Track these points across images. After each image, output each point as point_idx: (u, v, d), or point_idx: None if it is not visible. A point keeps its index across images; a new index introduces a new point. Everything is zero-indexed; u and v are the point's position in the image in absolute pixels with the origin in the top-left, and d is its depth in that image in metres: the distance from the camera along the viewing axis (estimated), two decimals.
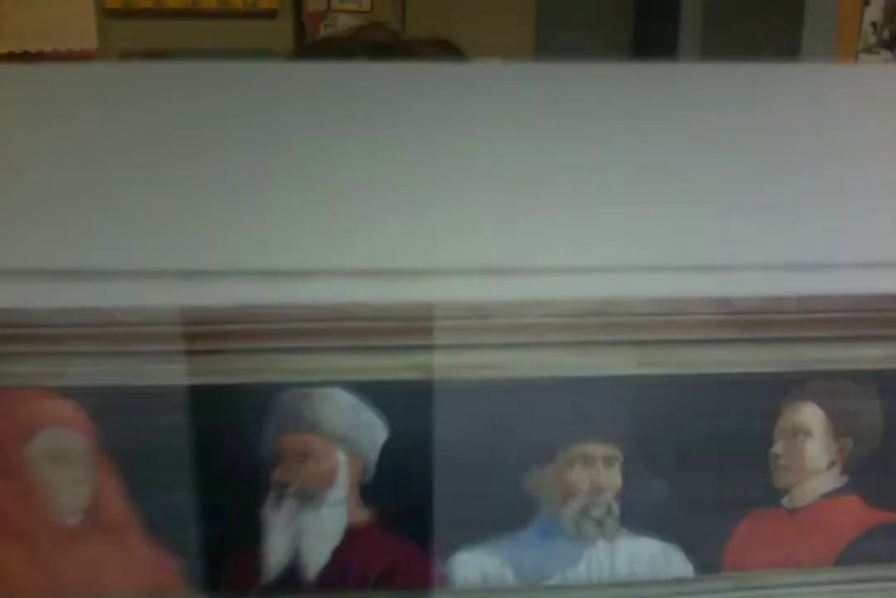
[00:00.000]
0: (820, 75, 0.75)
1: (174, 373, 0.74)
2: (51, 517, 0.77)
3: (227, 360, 0.74)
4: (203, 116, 0.71)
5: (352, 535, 0.80)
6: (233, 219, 0.72)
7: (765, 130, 0.75)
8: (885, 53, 3.13)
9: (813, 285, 0.76)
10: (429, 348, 0.74)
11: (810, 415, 0.83)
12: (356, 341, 0.74)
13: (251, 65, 0.71)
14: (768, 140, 0.75)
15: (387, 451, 0.78)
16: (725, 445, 0.80)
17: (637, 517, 0.82)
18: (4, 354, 0.74)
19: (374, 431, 0.78)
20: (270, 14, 4.54)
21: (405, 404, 0.77)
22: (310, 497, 0.79)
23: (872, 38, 3.16)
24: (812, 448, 0.83)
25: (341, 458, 0.79)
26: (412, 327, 0.73)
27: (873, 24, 3.16)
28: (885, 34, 3.13)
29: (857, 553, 0.84)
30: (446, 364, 0.75)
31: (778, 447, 0.82)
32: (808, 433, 0.83)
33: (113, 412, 0.75)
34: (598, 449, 0.80)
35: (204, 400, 0.75)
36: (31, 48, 4.35)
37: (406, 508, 0.79)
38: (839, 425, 0.83)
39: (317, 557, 0.80)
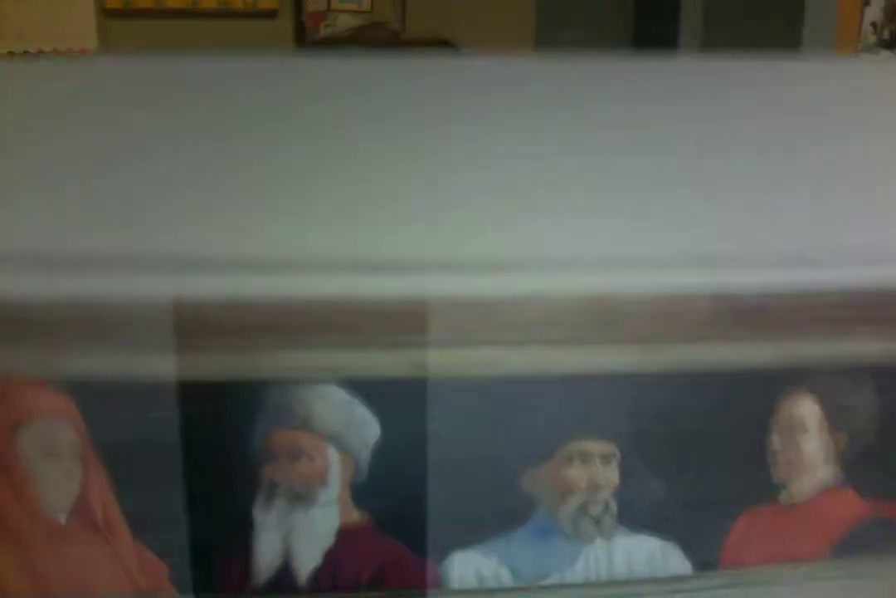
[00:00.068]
0: (817, 70, 0.75)
1: (165, 367, 0.73)
2: (38, 513, 0.77)
3: (219, 355, 0.73)
4: (198, 107, 0.71)
5: (344, 536, 0.79)
6: (228, 211, 0.71)
7: (765, 127, 0.74)
8: (885, 53, 3.12)
9: (809, 280, 0.76)
10: (423, 344, 0.73)
11: (807, 410, 0.82)
12: (350, 337, 0.73)
13: (252, 58, 0.71)
14: (768, 137, 0.74)
15: (379, 450, 0.78)
16: (723, 441, 0.80)
17: (635, 514, 0.81)
18: None
19: (366, 429, 0.77)
20: (270, 14, 4.53)
21: (398, 401, 0.76)
22: (301, 497, 0.78)
23: (872, 38, 3.16)
24: (809, 443, 0.83)
25: (333, 456, 0.78)
26: (407, 322, 0.73)
27: (873, 24, 3.15)
28: (885, 34, 3.13)
29: (852, 547, 0.83)
30: (441, 361, 0.74)
31: (776, 443, 0.82)
32: (804, 428, 0.83)
33: (102, 406, 0.74)
34: (595, 446, 0.80)
35: (195, 395, 0.74)
36: (31, 48, 4.35)
37: (399, 508, 0.78)
38: (835, 421, 0.83)
39: (308, 558, 0.79)
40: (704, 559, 0.82)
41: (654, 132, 0.72)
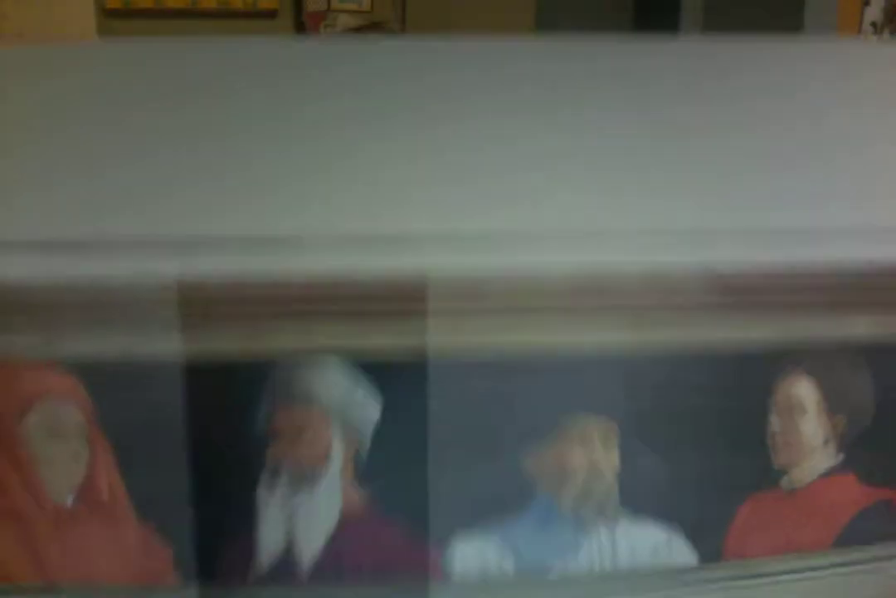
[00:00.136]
0: (811, 50, 0.76)
1: (169, 347, 0.73)
2: (44, 495, 0.77)
3: (222, 331, 0.73)
4: (198, 91, 0.71)
5: (346, 520, 0.79)
6: (230, 192, 0.72)
7: (756, 107, 0.75)
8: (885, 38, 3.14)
9: (800, 254, 0.76)
10: (423, 318, 0.73)
11: (804, 389, 0.83)
12: (352, 314, 0.73)
13: (253, 41, 0.71)
14: (762, 112, 0.75)
15: (381, 429, 0.78)
16: (723, 423, 0.80)
17: (637, 500, 0.81)
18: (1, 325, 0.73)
19: (368, 406, 0.77)
20: (270, 14, 4.52)
21: (400, 378, 0.76)
22: (304, 477, 0.78)
23: (872, 38, 3.16)
24: (808, 425, 0.83)
25: (336, 433, 0.78)
26: (408, 298, 0.73)
27: (873, 24, 3.16)
28: (885, 34, 3.13)
29: (854, 534, 0.83)
30: (441, 334, 0.74)
31: (775, 424, 0.82)
32: (803, 410, 0.83)
33: (108, 385, 0.75)
34: (594, 426, 0.80)
35: (199, 373, 0.74)
36: None
37: (401, 490, 0.79)
38: (833, 401, 0.83)
39: (311, 541, 0.79)
40: (709, 549, 0.82)
41: (651, 112, 0.73)
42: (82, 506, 0.78)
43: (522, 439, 0.79)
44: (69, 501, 0.78)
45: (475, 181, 0.72)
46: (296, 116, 0.71)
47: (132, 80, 0.71)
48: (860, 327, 0.78)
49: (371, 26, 3.43)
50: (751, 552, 0.83)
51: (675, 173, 0.73)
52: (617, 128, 0.73)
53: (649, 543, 0.81)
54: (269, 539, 0.78)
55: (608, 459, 0.80)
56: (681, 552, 0.82)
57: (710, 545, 0.82)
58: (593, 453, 0.79)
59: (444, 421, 0.76)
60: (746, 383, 0.80)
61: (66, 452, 0.77)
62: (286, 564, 0.79)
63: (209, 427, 0.76)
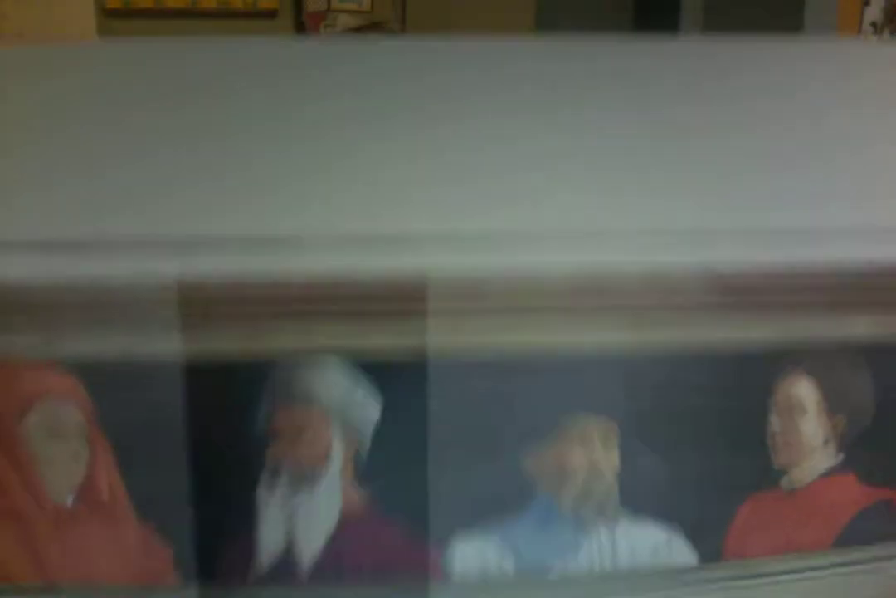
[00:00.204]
0: (811, 50, 0.76)
1: (169, 346, 0.73)
2: (44, 495, 0.77)
3: (222, 330, 0.73)
4: (199, 91, 0.71)
5: (346, 518, 0.79)
6: (230, 192, 0.72)
7: (755, 107, 0.75)
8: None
9: (800, 254, 0.76)
10: (423, 318, 0.74)
11: (803, 389, 0.83)
12: (351, 314, 0.73)
13: (253, 41, 0.71)
14: (762, 112, 0.75)
15: (380, 429, 0.78)
16: (724, 423, 0.80)
17: (637, 500, 0.81)
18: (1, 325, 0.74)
19: (368, 405, 0.77)
20: (270, 14, 4.52)
21: (399, 378, 0.76)
22: (304, 476, 0.78)
23: (872, 38, 3.16)
24: (808, 425, 0.83)
25: (336, 433, 0.78)
26: (407, 297, 0.73)
27: (873, 24, 3.16)
28: (885, 34, 3.13)
29: (854, 534, 0.83)
30: (441, 333, 0.74)
31: (775, 424, 0.82)
32: (802, 409, 0.83)
33: (108, 385, 0.75)
34: (594, 426, 0.80)
35: (199, 372, 0.74)
36: None
37: (400, 490, 0.79)
38: (832, 402, 0.83)
39: (311, 541, 0.79)
40: (709, 549, 0.82)
41: (651, 112, 0.73)
42: (82, 506, 0.78)
43: (522, 439, 0.79)
44: (69, 501, 0.78)
45: (475, 181, 0.72)
46: (296, 116, 0.71)
47: (133, 81, 0.71)
48: (860, 326, 0.78)
49: (371, 26, 3.43)
50: (751, 552, 0.83)
51: (675, 173, 0.74)
52: (617, 128, 0.73)
53: (649, 543, 0.81)
54: (269, 539, 0.78)
55: (608, 459, 0.80)
56: (681, 552, 0.82)
57: (710, 545, 0.82)
58: (593, 453, 0.80)
59: (444, 421, 0.76)
60: (746, 383, 0.80)
61: (65, 452, 0.77)
62: (286, 564, 0.79)
63: (209, 427, 0.76)
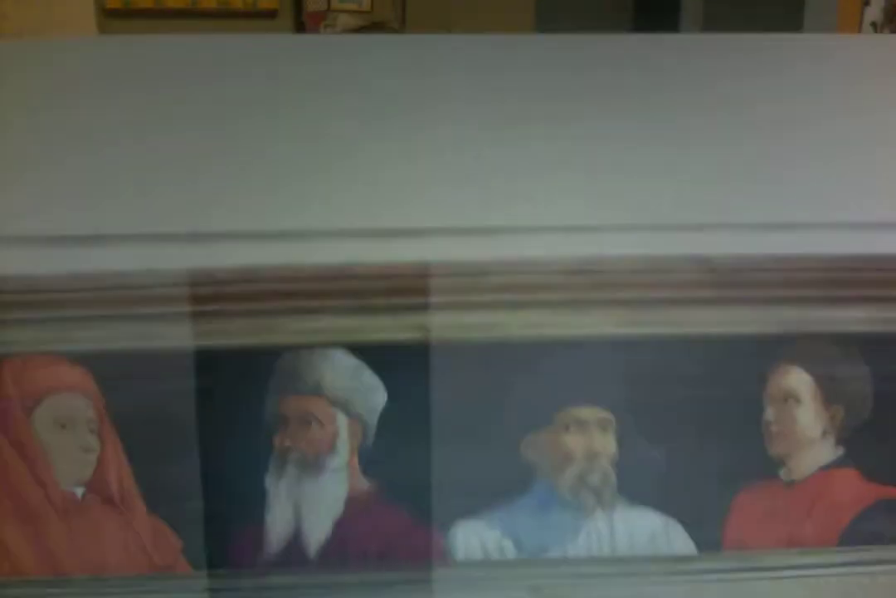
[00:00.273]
0: (811, 45, 0.76)
1: (179, 335, 0.74)
2: (56, 489, 0.78)
3: (230, 322, 0.74)
4: (208, 86, 0.72)
5: (352, 505, 0.81)
6: (237, 184, 0.73)
7: (749, 96, 0.75)
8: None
9: (792, 245, 0.77)
10: (425, 306, 0.75)
11: (798, 379, 0.83)
12: (356, 302, 0.74)
13: (259, 37, 0.72)
14: (752, 105, 0.75)
15: (385, 416, 0.79)
16: (718, 411, 0.81)
17: (634, 485, 0.82)
18: (11, 320, 0.75)
19: (373, 394, 0.78)
20: (270, 14, 4.52)
21: (403, 365, 0.77)
22: (311, 464, 0.79)
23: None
24: (803, 415, 0.83)
25: (342, 421, 0.79)
26: (410, 286, 0.74)
27: (873, 24, 3.15)
28: (886, 34, 3.13)
29: (860, 533, 0.84)
30: (443, 323, 0.75)
31: (769, 414, 0.83)
32: (797, 399, 0.83)
33: (118, 377, 0.76)
34: (591, 413, 0.81)
35: (208, 362, 0.75)
36: None
37: (404, 475, 0.80)
38: (828, 392, 0.83)
39: (319, 527, 0.81)
40: (707, 538, 0.83)
41: (650, 108, 0.74)
42: (93, 497, 0.78)
43: (521, 427, 0.80)
44: (80, 493, 0.78)
45: (476, 179, 0.73)
46: (297, 113, 0.72)
47: (136, 76, 0.72)
48: (855, 317, 0.79)
49: (371, 27, 3.43)
50: (751, 544, 0.83)
51: (672, 169, 0.74)
52: (615, 124, 0.73)
53: (647, 530, 0.82)
54: (277, 526, 0.80)
55: (605, 445, 0.81)
56: (679, 541, 0.82)
57: (709, 534, 0.83)
58: (591, 440, 0.80)
59: (445, 408, 0.77)
60: (742, 372, 0.81)
61: (76, 444, 0.78)
62: (294, 549, 0.80)
63: (218, 415, 0.76)
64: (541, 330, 0.77)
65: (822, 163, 0.75)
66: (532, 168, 0.73)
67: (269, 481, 0.79)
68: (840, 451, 0.85)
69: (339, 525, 0.80)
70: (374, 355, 0.76)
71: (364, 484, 0.80)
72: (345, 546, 0.80)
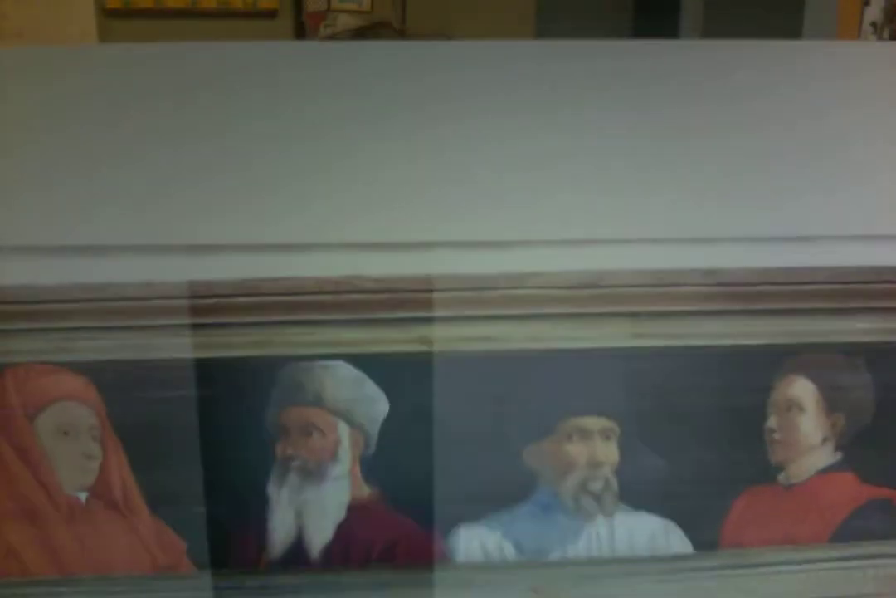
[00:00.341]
0: (814, 55, 0.76)
1: (180, 347, 0.75)
2: (60, 494, 0.79)
3: (232, 333, 0.75)
4: (206, 96, 0.72)
5: (355, 510, 0.81)
6: (237, 194, 0.73)
7: (756, 111, 0.76)
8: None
9: (799, 258, 0.78)
10: (429, 319, 0.75)
11: (802, 389, 0.83)
12: (358, 314, 0.75)
13: (257, 45, 0.72)
14: (758, 119, 0.76)
15: (387, 425, 0.80)
16: (721, 419, 0.81)
17: (635, 492, 0.83)
18: (13, 330, 0.75)
19: (375, 404, 0.79)
20: (270, 14, 4.53)
21: (406, 377, 0.78)
22: (313, 472, 0.80)
23: (872, 39, 3.15)
24: (805, 423, 0.84)
25: (343, 431, 0.80)
26: (412, 299, 0.75)
27: (873, 24, 3.15)
28: (885, 34, 3.13)
29: (852, 530, 0.85)
30: (446, 336, 0.76)
31: (772, 422, 0.83)
32: (800, 408, 0.84)
33: (120, 387, 0.77)
34: (594, 423, 0.81)
35: (209, 374, 0.76)
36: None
37: (407, 483, 0.80)
38: (831, 401, 0.84)
39: (321, 533, 0.81)
40: (705, 539, 0.83)
41: (651, 114, 0.74)
42: (96, 503, 0.79)
43: (524, 436, 0.81)
44: (83, 498, 0.79)
45: (481, 193, 0.74)
46: (297, 120, 0.72)
47: (134, 88, 0.72)
48: (860, 328, 0.80)
49: (371, 26, 3.43)
50: (747, 543, 0.84)
51: (678, 182, 0.75)
52: (618, 132, 0.74)
53: (646, 533, 0.83)
54: (279, 532, 0.80)
55: (608, 455, 0.81)
56: (677, 543, 0.83)
57: (707, 537, 0.84)
58: (594, 448, 0.81)
59: (448, 418, 0.78)
60: (745, 381, 0.81)
61: (78, 451, 0.79)
62: (296, 553, 0.81)
63: (220, 426, 0.77)
64: (545, 343, 0.77)
65: (829, 175, 0.76)
66: (537, 182, 0.74)
67: (272, 488, 0.79)
68: (838, 456, 0.85)
69: (341, 530, 0.81)
70: (377, 367, 0.77)
71: (366, 491, 0.81)
72: (347, 549, 0.81)
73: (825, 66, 0.75)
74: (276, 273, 0.74)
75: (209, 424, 0.77)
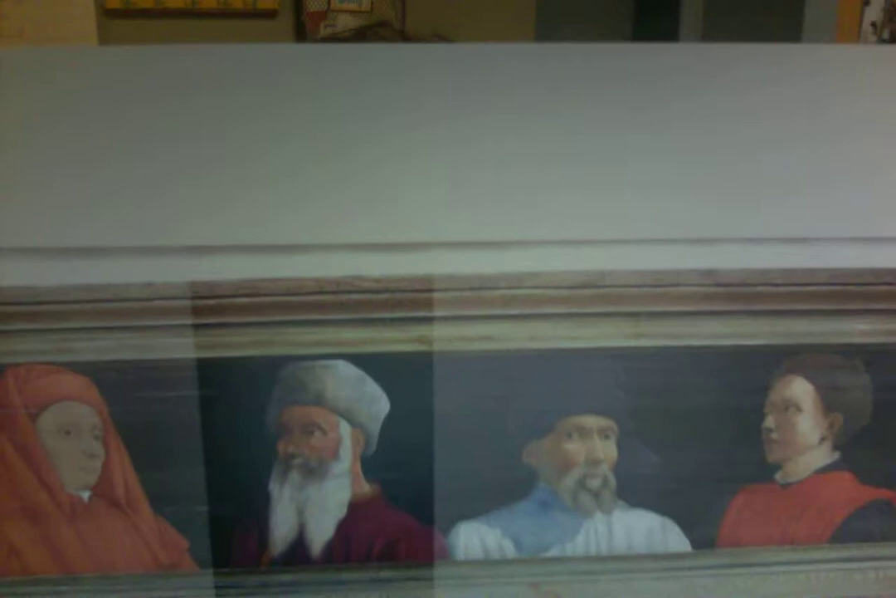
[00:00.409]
0: (814, 55, 0.77)
1: (182, 347, 0.75)
2: (62, 493, 0.79)
3: (233, 333, 0.76)
4: (206, 95, 0.73)
5: (356, 508, 0.82)
6: (237, 195, 0.74)
7: (753, 109, 0.76)
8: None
9: (798, 259, 0.78)
10: (429, 319, 0.76)
11: (800, 389, 0.84)
12: (358, 314, 0.76)
13: (255, 45, 0.72)
14: (757, 118, 0.76)
15: (388, 423, 0.80)
16: (719, 418, 0.82)
17: (634, 489, 0.83)
18: (14, 331, 0.76)
19: (376, 403, 0.79)
20: (270, 14, 4.53)
21: (406, 376, 0.78)
22: (314, 470, 0.81)
23: (872, 38, 3.16)
24: (803, 423, 0.84)
25: (345, 430, 0.80)
26: (412, 299, 0.75)
27: (873, 24, 3.15)
28: (885, 34, 3.13)
29: (851, 532, 0.85)
30: (446, 336, 0.77)
31: (769, 422, 0.84)
32: (798, 408, 0.84)
33: (122, 386, 0.77)
34: (593, 421, 0.82)
35: (210, 374, 0.76)
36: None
37: (408, 480, 0.81)
38: (829, 401, 0.84)
39: (322, 530, 0.82)
40: (702, 537, 0.84)
41: (649, 113, 0.74)
42: (99, 502, 0.80)
43: (523, 435, 0.81)
44: (86, 498, 0.80)
45: (480, 193, 0.74)
46: (301, 126, 0.73)
47: (134, 89, 0.72)
48: (859, 329, 0.80)
49: (372, 27, 3.42)
50: (744, 542, 0.85)
51: (678, 183, 0.75)
52: (617, 132, 0.74)
53: (644, 530, 0.84)
54: (280, 531, 0.81)
55: (607, 453, 0.82)
56: (674, 540, 0.84)
57: (705, 534, 0.84)
58: (593, 447, 0.82)
59: (448, 417, 0.79)
60: (743, 380, 0.82)
61: (80, 451, 0.79)
62: (297, 550, 0.81)
63: (221, 424, 0.78)
64: (545, 342, 0.78)
65: (829, 177, 0.76)
66: (536, 182, 0.74)
67: (273, 486, 0.80)
68: (836, 455, 0.86)
69: (342, 527, 0.81)
70: (377, 366, 0.77)
71: (367, 489, 0.81)
72: (348, 547, 0.81)
73: (825, 67, 0.76)
74: (277, 273, 0.74)
75: (211, 423, 0.77)
